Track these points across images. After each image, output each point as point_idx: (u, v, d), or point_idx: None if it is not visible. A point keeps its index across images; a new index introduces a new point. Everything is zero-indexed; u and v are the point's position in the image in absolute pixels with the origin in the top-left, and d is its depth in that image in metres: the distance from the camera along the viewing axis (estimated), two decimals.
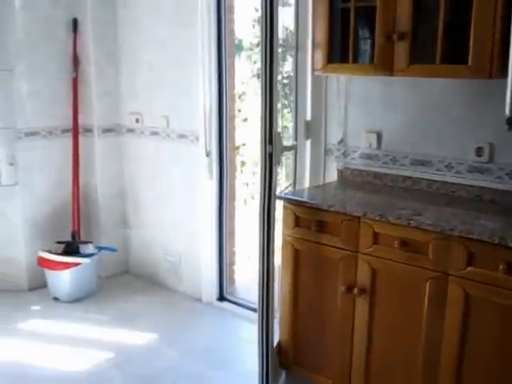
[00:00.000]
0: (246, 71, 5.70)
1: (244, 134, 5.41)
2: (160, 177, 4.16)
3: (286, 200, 2.77)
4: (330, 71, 2.84)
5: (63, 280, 3.97)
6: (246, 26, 5.47)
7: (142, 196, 4.35)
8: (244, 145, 5.60)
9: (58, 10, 4.06)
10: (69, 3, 4.08)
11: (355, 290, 2.53)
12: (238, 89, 4.64)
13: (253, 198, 5.60)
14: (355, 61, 2.72)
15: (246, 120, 5.97)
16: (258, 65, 6.04)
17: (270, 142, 2.59)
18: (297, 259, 2.76)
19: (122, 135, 4.35)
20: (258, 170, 5.21)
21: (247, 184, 5.63)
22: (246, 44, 5.80)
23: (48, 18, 4.03)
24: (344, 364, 2.67)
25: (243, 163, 5.58)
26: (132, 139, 4.30)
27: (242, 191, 5.31)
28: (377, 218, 2.43)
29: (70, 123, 4.19)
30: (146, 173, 4.27)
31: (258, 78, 6.01)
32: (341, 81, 3.10)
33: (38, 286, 4.16)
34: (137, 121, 4.22)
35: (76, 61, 4.13)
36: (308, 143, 3.28)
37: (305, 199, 2.77)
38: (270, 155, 2.61)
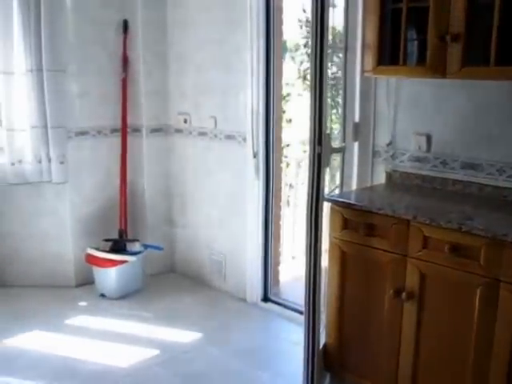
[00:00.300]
0: (291, 72, 5.71)
1: (288, 134, 5.42)
2: (207, 177, 4.19)
3: (334, 202, 2.75)
4: (380, 73, 2.82)
5: (110, 277, 4.04)
6: (290, 26, 5.48)
7: (188, 196, 4.39)
8: (288, 146, 5.60)
9: (108, 11, 4.13)
10: (119, 5, 4.15)
11: (403, 295, 2.50)
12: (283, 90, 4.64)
13: (296, 199, 5.59)
14: (406, 63, 2.69)
15: (290, 121, 5.98)
16: (304, 66, 6.06)
17: (319, 143, 2.58)
18: (344, 262, 2.74)
19: (170, 135, 4.40)
20: (302, 171, 5.24)
21: (290, 185, 5.63)
22: (289, 45, 5.81)
23: (98, 19, 4.10)
24: (390, 369, 2.64)
25: (287, 164, 5.58)
26: (180, 139, 4.35)
27: (285, 192, 5.31)
28: (427, 222, 2.39)
29: (118, 123, 4.25)
30: (193, 173, 4.31)
31: (304, 79, 6.04)
32: (390, 82, 3.07)
33: (85, 282, 4.24)
34: (185, 121, 4.26)
35: (126, 61, 4.20)
36: (356, 145, 3.25)
37: (353, 201, 2.75)
38: (319, 156, 2.60)
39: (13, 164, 3.98)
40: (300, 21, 5.98)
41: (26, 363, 3.24)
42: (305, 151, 6.64)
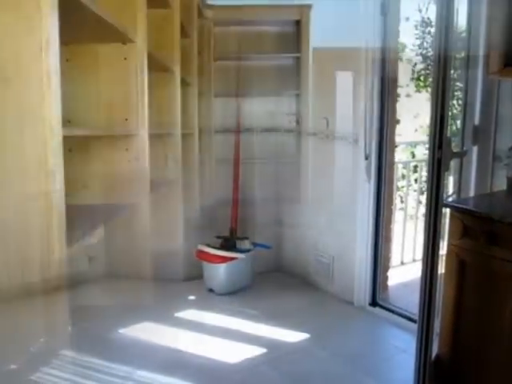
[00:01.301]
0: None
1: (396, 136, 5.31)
2: (316, 178, 4.17)
3: (454, 208, 2.65)
4: (507, 75, 2.68)
5: (219, 273, 4.12)
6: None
7: (297, 196, 4.38)
8: (396, 146, 5.49)
9: None
10: None
11: None
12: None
13: (402, 202, 5.51)
14: None
15: (398, 122, 5.84)
16: (418, 67, 5.93)
17: (440, 147, 2.50)
18: (462, 271, 2.63)
19: (281, 135, 4.43)
20: (410, 173, 5.13)
21: (398, 187, 5.53)
22: None
23: None
24: None
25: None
26: (290, 139, 4.35)
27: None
28: None
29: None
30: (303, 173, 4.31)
31: (417, 80, 5.90)
32: None
33: (193, 277, 4.33)
34: (297, 122, 4.26)
35: None
36: (474, 149, 3.13)
37: (474, 208, 2.64)
38: (439, 161, 2.51)
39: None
40: (407, 19, 5.86)
41: (138, 352, 3.34)
42: (412, 152, 6.51)
